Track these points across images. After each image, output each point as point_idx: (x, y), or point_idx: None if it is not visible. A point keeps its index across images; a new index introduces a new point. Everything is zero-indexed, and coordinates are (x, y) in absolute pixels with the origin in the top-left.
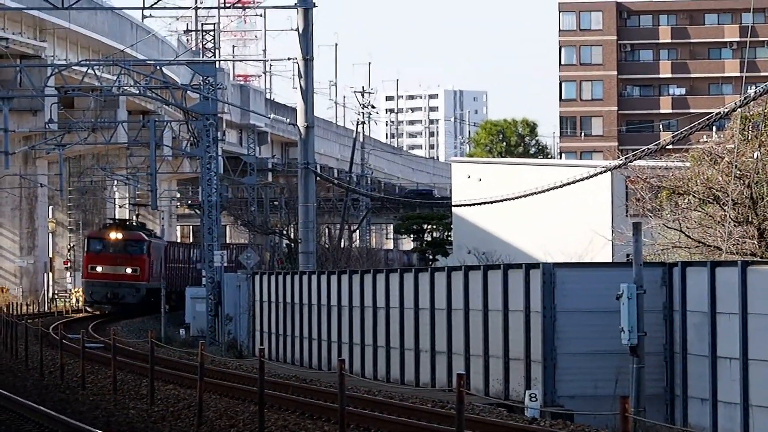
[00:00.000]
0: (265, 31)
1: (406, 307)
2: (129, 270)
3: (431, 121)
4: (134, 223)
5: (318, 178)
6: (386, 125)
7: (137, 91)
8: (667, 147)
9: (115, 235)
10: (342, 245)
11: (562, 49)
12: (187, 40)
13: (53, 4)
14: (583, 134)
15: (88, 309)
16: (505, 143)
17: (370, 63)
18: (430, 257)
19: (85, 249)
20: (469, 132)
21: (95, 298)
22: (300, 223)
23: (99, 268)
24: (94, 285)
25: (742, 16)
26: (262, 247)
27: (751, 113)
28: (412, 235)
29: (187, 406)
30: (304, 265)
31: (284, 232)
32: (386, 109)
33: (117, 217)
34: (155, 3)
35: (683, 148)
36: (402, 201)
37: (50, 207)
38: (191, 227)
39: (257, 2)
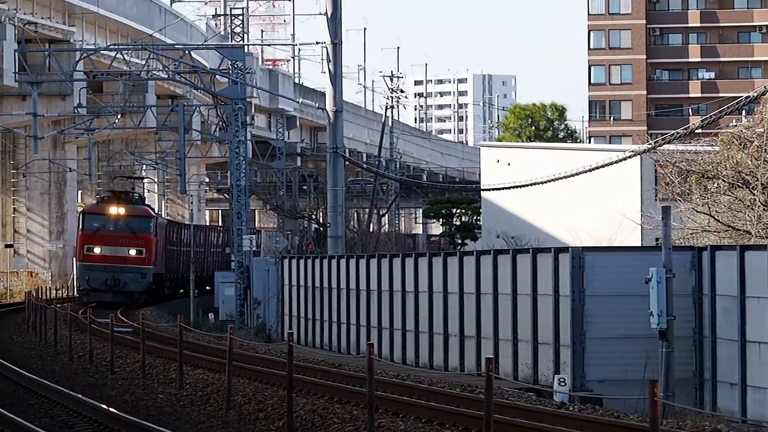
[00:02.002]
0: (293, 16)
1: (435, 291)
2: (133, 252)
3: (460, 106)
4: (136, 196)
5: (347, 163)
6: (415, 109)
7: (166, 76)
8: (696, 131)
9: (116, 210)
10: (371, 229)
11: (591, 33)
12: (216, 24)
13: None
14: (612, 118)
15: (83, 299)
16: (533, 127)
17: (398, 47)
18: (459, 241)
19: (80, 227)
20: (498, 116)
21: (92, 285)
22: (329, 208)
23: (97, 250)
24: (90, 270)
25: None
26: (291, 231)
27: None
28: (441, 220)
29: (216, 390)
30: (332, 249)
31: (313, 217)
32: (415, 94)
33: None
34: None
35: (712, 132)
36: (431, 185)
37: (79, 191)
38: (220, 212)
39: None
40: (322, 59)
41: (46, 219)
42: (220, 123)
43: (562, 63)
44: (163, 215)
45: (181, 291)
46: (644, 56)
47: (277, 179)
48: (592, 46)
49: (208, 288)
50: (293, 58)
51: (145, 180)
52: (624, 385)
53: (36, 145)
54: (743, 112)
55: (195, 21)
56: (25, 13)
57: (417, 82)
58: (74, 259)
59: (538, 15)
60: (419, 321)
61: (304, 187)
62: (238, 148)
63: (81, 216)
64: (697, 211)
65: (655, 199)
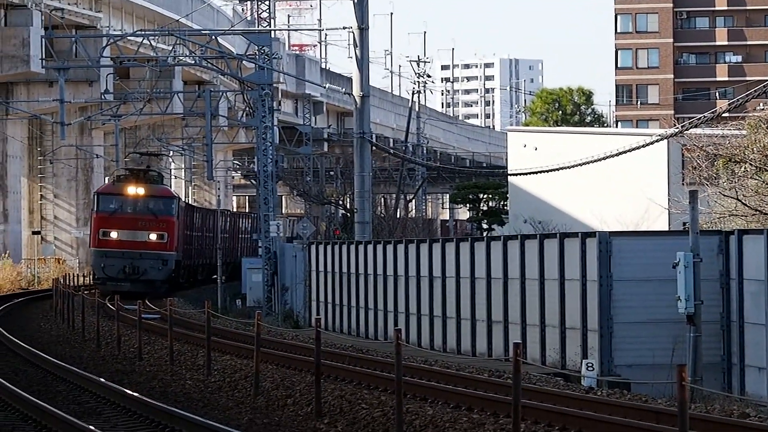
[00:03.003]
0: (320, 1)
1: (462, 276)
2: (153, 236)
3: (487, 90)
4: (155, 174)
5: (374, 148)
6: (442, 94)
7: (193, 62)
8: (724, 115)
9: (134, 190)
10: (398, 215)
11: (618, 17)
12: (243, 9)
13: None
14: (639, 102)
15: (98, 288)
16: (560, 112)
17: (425, 32)
18: (486, 227)
19: (95, 209)
20: (525, 101)
21: (108, 273)
22: (356, 193)
23: (113, 234)
24: (106, 256)
25: None
26: (318, 217)
27: None
28: (468, 205)
29: (244, 376)
30: (360, 235)
31: (340, 202)
32: (442, 78)
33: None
34: None
35: (739, 115)
36: (458, 170)
37: (106, 178)
38: (247, 198)
39: None
40: (348, 44)
41: (73, 206)
42: (247, 108)
43: (589, 47)
44: (190, 201)
45: (200, 278)
46: (671, 40)
47: (304, 165)
48: (618, 30)
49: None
50: (320, 43)
51: (172, 166)
52: (652, 370)
53: (63, 131)
54: None
55: (221, 6)
56: (51, 0)
57: (444, 67)
58: (89, 245)
59: None
60: (447, 306)
61: (331, 173)
62: (264, 134)
63: (95, 197)
64: (724, 195)
65: (682, 184)
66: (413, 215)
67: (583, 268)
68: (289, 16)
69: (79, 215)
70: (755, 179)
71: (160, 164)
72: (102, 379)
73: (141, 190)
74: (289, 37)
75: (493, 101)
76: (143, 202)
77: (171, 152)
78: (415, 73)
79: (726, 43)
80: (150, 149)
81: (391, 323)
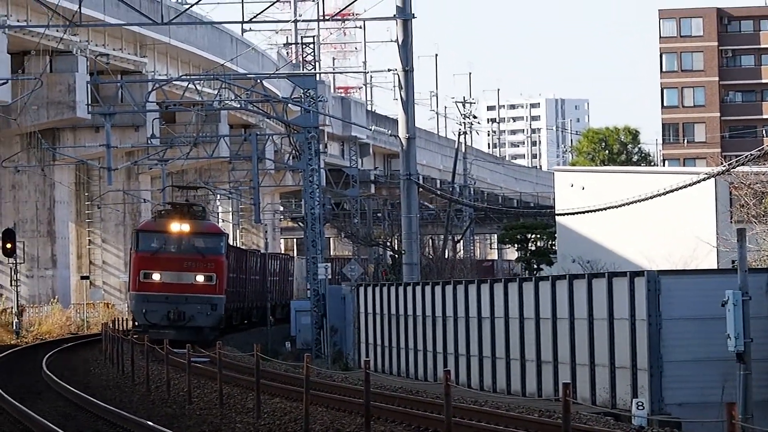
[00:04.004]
0: (365, 43)
1: (511, 317)
2: (201, 278)
3: (533, 130)
4: (200, 209)
5: (420, 189)
6: (488, 135)
7: (238, 105)
8: None
9: (178, 227)
10: (446, 256)
11: (663, 56)
12: (287, 53)
13: (153, 20)
14: (685, 141)
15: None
16: (607, 151)
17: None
18: (535, 266)
19: (134, 248)
20: (572, 140)
21: (151, 319)
22: (403, 235)
23: (156, 276)
24: (148, 301)
25: None
26: (366, 259)
27: None
28: (516, 245)
29: (294, 419)
30: (408, 276)
31: (388, 244)
32: (488, 119)
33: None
34: (255, 17)
35: None
36: (505, 210)
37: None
38: (295, 240)
39: (356, 14)
40: (393, 86)
41: (121, 250)
42: (294, 151)
43: (635, 86)
44: (237, 244)
45: (246, 322)
46: (717, 78)
47: (351, 207)
48: (664, 69)
49: (271, 318)
50: (365, 85)
51: (219, 209)
52: (702, 408)
53: (110, 176)
54: None
55: (266, 50)
56: (96, 45)
57: (489, 107)
58: (128, 288)
59: (610, 38)
60: (496, 347)
61: (379, 214)
62: (311, 177)
63: (135, 235)
64: None
65: (731, 222)
66: (461, 256)
67: (631, 307)
68: (333, 58)
69: (127, 260)
70: None
71: (208, 206)
72: (150, 423)
73: (186, 227)
74: (334, 79)
75: (540, 141)
76: (188, 240)
77: (218, 195)
78: (461, 114)
79: None
80: (197, 194)
81: (441, 364)
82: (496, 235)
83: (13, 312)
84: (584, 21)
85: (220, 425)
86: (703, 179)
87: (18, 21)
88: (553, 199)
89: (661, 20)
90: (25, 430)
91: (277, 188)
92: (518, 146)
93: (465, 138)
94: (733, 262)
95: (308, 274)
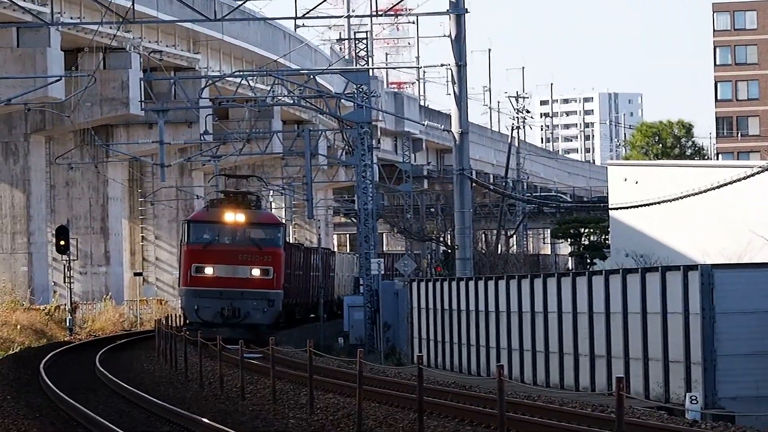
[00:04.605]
0: (417, 38)
1: (564, 311)
2: (257, 271)
3: (586, 125)
4: (254, 198)
5: (474, 184)
6: (541, 129)
7: (291, 101)
8: None
9: (233, 217)
10: (499, 251)
11: (717, 50)
12: (340, 48)
13: (206, 17)
14: (739, 134)
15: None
16: (661, 145)
17: (523, 67)
18: (588, 261)
19: (185, 240)
20: (625, 134)
21: (203, 316)
22: (456, 230)
23: (209, 270)
24: (200, 297)
25: None
26: (419, 254)
27: None
28: (569, 239)
29: (347, 414)
30: (461, 271)
31: (441, 239)
32: (541, 114)
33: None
34: (308, 13)
35: None
36: (559, 205)
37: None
38: (348, 235)
39: (409, 10)
40: (446, 81)
41: (174, 246)
42: (347, 147)
43: (688, 80)
44: (291, 240)
45: (298, 318)
46: None
47: (404, 202)
48: (718, 62)
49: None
50: (418, 80)
51: (272, 205)
52: (756, 402)
53: (163, 173)
54: None
55: (319, 45)
56: (150, 42)
57: (543, 102)
58: (178, 283)
59: (663, 32)
60: (549, 341)
61: (432, 210)
62: (364, 172)
63: (186, 225)
64: None
65: None
66: (514, 251)
67: (685, 301)
68: (387, 54)
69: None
70: None
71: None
72: (205, 420)
73: (241, 217)
74: (387, 75)
75: (593, 135)
76: (244, 231)
77: (271, 191)
78: (514, 109)
79: None
80: (249, 188)
81: (494, 359)
82: (549, 230)
83: (67, 309)
84: (638, 15)
85: (274, 421)
86: (757, 172)
87: (71, 18)
88: (607, 193)
89: (714, 14)
90: (79, 428)
91: (330, 184)
92: (571, 140)
93: (518, 132)
94: None
95: (361, 269)
